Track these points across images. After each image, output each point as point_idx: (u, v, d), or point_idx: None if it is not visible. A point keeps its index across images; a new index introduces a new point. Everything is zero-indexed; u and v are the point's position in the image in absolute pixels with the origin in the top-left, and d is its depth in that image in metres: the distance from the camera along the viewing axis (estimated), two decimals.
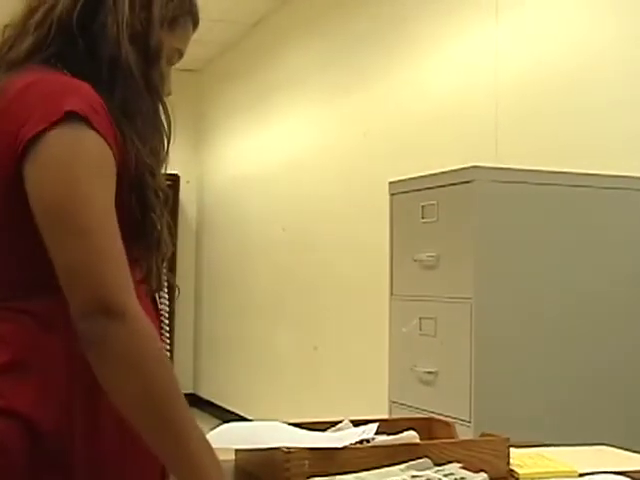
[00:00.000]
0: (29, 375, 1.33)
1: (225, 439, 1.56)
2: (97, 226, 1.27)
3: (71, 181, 1.27)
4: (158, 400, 1.27)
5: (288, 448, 1.55)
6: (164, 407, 1.27)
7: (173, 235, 1.50)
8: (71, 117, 1.29)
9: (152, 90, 1.45)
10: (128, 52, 1.40)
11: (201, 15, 1.60)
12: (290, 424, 1.80)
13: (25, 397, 1.32)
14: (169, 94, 1.56)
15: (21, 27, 1.44)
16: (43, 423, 1.31)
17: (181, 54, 1.57)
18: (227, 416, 7.35)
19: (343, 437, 1.68)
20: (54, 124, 1.28)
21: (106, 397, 1.31)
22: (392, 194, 3.36)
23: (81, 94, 1.33)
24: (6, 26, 1.46)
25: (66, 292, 1.26)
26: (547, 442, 2.04)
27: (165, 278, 1.51)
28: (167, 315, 1.56)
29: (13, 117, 1.32)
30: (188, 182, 8.62)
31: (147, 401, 1.26)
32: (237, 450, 1.72)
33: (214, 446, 1.33)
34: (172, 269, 1.61)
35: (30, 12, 1.45)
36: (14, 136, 1.30)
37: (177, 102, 1.55)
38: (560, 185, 3.03)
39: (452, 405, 2.93)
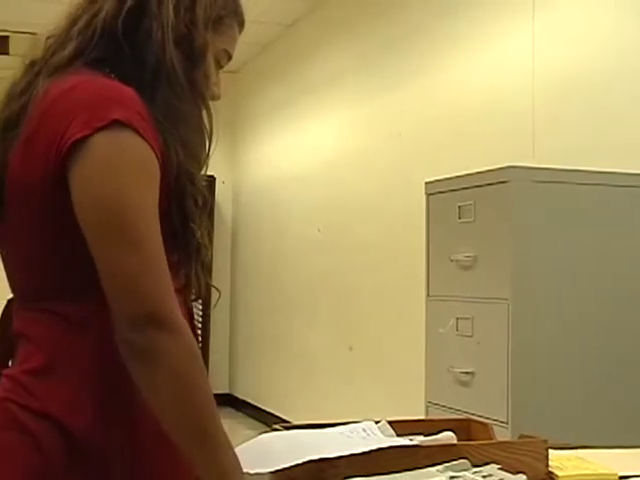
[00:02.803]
0: (61, 378, 1.34)
1: (259, 454, 1.54)
2: (147, 237, 1.28)
3: (121, 190, 1.27)
4: (199, 412, 1.29)
5: (323, 459, 1.54)
6: (203, 419, 1.29)
7: (211, 239, 1.49)
8: (116, 124, 1.28)
9: (196, 93, 1.44)
10: (173, 55, 1.40)
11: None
12: (324, 425, 1.79)
13: (58, 400, 1.33)
14: (219, 98, 1.56)
15: (64, 35, 1.44)
16: (76, 425, 1.32)
17: (229, 55, 1.56)
18: (263, 416, 7.37)
19: (382, 440, 1.67)
20: (99, 130, 1.28)
21: (139, 399, 1.32)
22: (428, 194, 3.35)
23: (126, 100, 1.32)
24: (49, 37, 1.46)
25: (113, 301, 1.26)
26: (586, 444, 2.03)
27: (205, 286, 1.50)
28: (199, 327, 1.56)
29: (57, 118, 1.32)
30: (224, 183, 8.64)
31: (188, 412, 1.28)
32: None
33: (247, 460, 1.35)
34: (209, 272, 1.59)
35: (73, 20, 1.45)
36: (58, 138, 1.29)
37: (213, 103, 1.54)
38: (598, 185, 3.01)
39: (489, 406, 2.92)
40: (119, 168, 1.28)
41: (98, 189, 1.28)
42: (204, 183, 1.47)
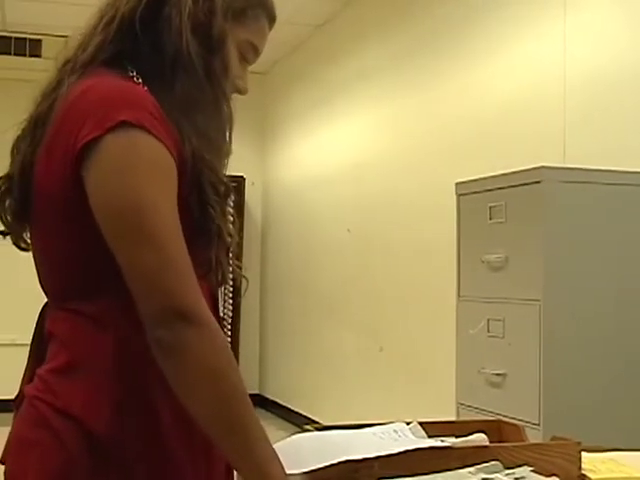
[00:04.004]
0: (82, 376, 1.36)
1: (291, 455, 1.54)
2: (166, 233, 1.29)
3: (134, 187, 1.29)
4: (233, 405, 1.29)
5: (356, 460, 1.53)
6: (237, 412, 1.29)
7: (236, 227, 1.49)
8: (126, 124, 1.30)
9: (213, 81, 1.44)
10: (189, 42, 1.41)
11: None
12: (355, 426, 1.79)
13: (79, 399, 1.34)
14: (245, 92, 1.56)
15: (91, 31, 1.47)
16: (95, 424, 1.33)
17: (255, 48, 1.56)
18: (292, 417, 7.38)
19: (413, 442, 1.67)
20: (109, 130, 1.29)
21: (161, 396, 1.34)
22: (459, 195, 3.34)
23: (137, 101, 1.34)
24: (79, 35, 1.49)
25: (138, 299, 1.27)
26: (619, 446, 2.01)
27: (230, 273, 1.51)
28: (231, 316, 1.57)
29: (72, 121, 1.34)
30: (253, 184, 8.66)
31: (222, 406, 1.28)
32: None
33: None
34: (237, 260, 1.58)
35: (100, 17, 1.47)
36: (72, 140, 1.32)
37: (243, 104, 1.55)
38: (630, 185, 2.99)
39: (521, 407, 2.90)
40: (131, 167, 1.30)
41: (111, 189, 1.29)
42: (232, 183, 1.47)
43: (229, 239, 1.44)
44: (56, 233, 1.39)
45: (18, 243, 1.49)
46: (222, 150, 1.46)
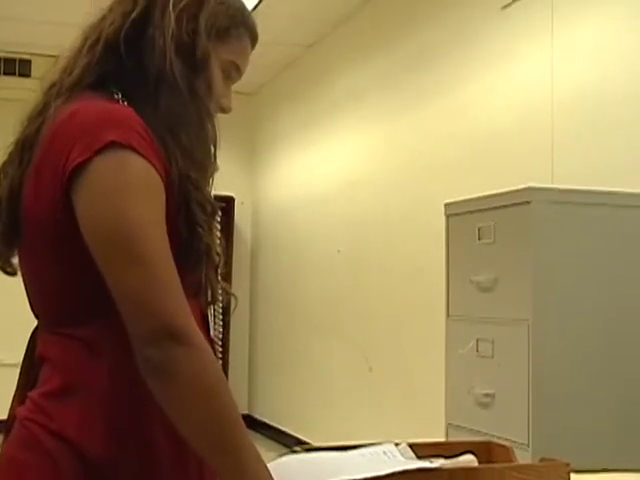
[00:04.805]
0: (77, 400, 1.35)
1: (279, 477, 1.54)
2: (154, 253, 1.29)
3: (123, 209, 1.29)
4: (224, 424, 1.29)
5: None
6: (229, 431, 1.29)
7: (222, 246, 1.50)
8: (114, 145, 1.30)
9: (197, 100, 1.45)
10: (173, 63, 1.42)
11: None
12: (344, 447, 1.78)
13: (73, 422, 1.34)
14: (229, 110, 1.57)
15: (76, 54, 1.48)
16: (89, 448, 1.33)
17: (239, 68, 1.57)
18: (282, 438, 7.35)
19: (402, 462, 1.66)
20: (98, 152, 1.30)
21: (155, 419, 1.34)
22: (448, 215, 3.34)
23: (124, 121, 1.34)
24: (64, 58, 1.49)
25: (127, 320, 1.27)
26: (609, 467, 2.01)
27: (220, 292, 1.51)
28: (221, 337, 1.57)
29: (60, 145, 1.34)
30: (243, 203, 8.66)
31: (213, 425, 1.28)
32: None
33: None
34: (225, 279, 1.58)
35: (85, 39, 1.48)
36: (62, 164, 1.32)
37: (232, 123, 1.55)
38: (618, 206, 2.99)
39: (510, 428, 2.90)
40: (120, 187, 1.30)
41: (101, 210, 1.29)
42: (221, 203, 1.48)
43: (217, 258, 1.44)
44: (46, 257, 1.39)
45: (5, 268, 1.49)
46: (208, 169, 1.47)
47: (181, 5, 1.46)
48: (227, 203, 8.11)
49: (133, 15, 1.45)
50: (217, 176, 1.51)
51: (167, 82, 1.41)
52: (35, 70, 7.34)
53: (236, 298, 1.61)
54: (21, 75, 7.37)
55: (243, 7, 1.57)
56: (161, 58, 1.42)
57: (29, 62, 7.39)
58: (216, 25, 1.50)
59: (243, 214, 8.72)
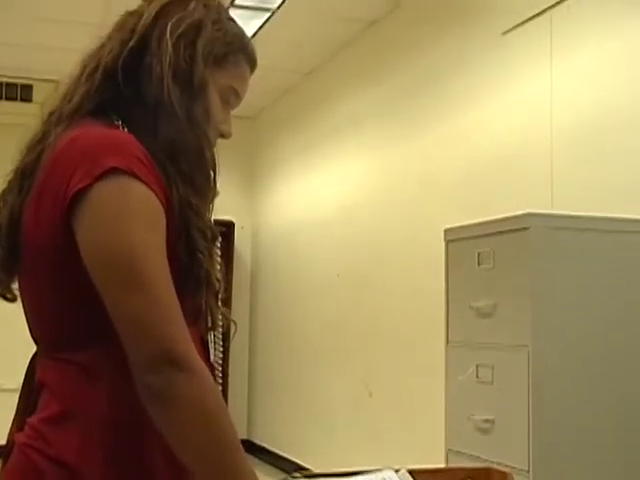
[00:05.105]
0: (75, 426, 1.35)
1: None
2: (155, 278, 1.29)
3: (124, 233, 1.29)
4: (224, 450, 1.29)
5: None
6: (228, 457, 1.29)
7: (223, 272, 1.50)
8: (115, 171, 1.31)
9: (196, 127, 1.45)
10: (171, 90, 1.42)
11: (257, 62, 1.60)
12: (344, 474, 1.78)
13: (72, 448, 1.33)
14: (229, 136, 1.57)
15: (76, 82, 1.49)
16: (90, 472, 1.32)
17: (237, 94, 1.57)
18: (281, 463, 7.31)
19: None
20: (98, 178, 1.30)
21: (154, 445, 1.33)
22: (448, 241, 3.35)
23: (124, 147, 1.35)
24: (64, 86, 1.51)
25: (128, 345, 1.27)
26: None
27: (220, 318, 1.51)
28: (221, 362, 1.57)
29: (61, 171, 1.34)
30: (243, 228, 8.67)
31: (213, 451, 1.28)
32: None
33: None
34: (226, 305, 1.60)
35: (83, 67, 1.49)
36: (62, 190, 1.32)
37: (232, 148, 1.55)
38: (617, 231, 3.00)
39: (510, 454, 2.89)
40: (120, 213, 1.30)
41: (101, 235, 1.30)
42: (221, 227, 1.48)
43: (217, 284, 1.45)
44: (46, 282, 1.39)
45: (4, 294, 1.49)
46: (208, 195, 1.47)
47: (178, 32, 1.46)
48: (227, 227, 8.11)
49: (131, 43, 1.46)
50: (217, 201, 1.51)
51: (165, 110, 1.42)
52: (37, 95, 7.35)
53: (235, 325, 1.61)
54: (23, 100, 7.40)
55: (241, 33, 1.58)
56: (158, 86, 1.43)
57: (30, 87, 7.41)
58: (214, 51, 1.50)
59: (243, 238, 8.73)
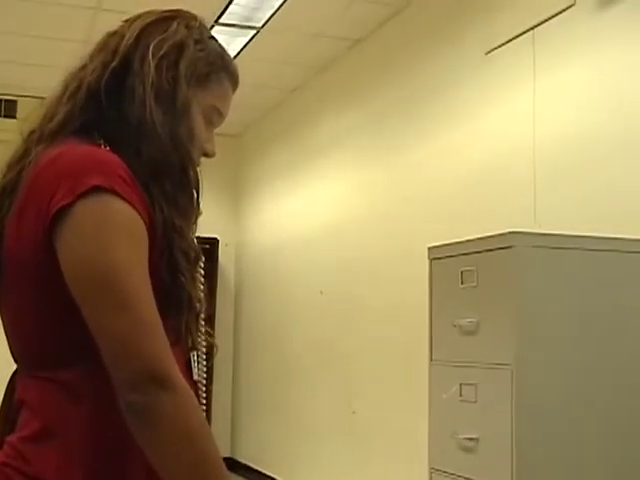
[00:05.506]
0: (55, 445, 1.34)
1: None
2: (138, 295, 1.28)
3: (106, 251, 1.29)
4: (207, 469, 1.29)
5: None
6: (212, 476, 1.29)
7: (205, 292, 1.50)
8: (97, 189, 1.30)
9: (179, 147, 1.45)
10: (153, 111, 1.42)
11: (241, 80, 1.61)
12: None
13: (51, 467, 1.33)
14: (213, 155, 1.58)
15: (57, 101, 1.48)
16: None
17: (220, 113, 1.58)
18: None
19: None
20: (81, 196, 1.30)
21: (136, 463, 1.33)
22: (431, 259, 3.36)
23: (108, 166, 1.34)
24: (45, 105, 1.50)
25: (110, 364, 1.27)
26: None
27: (202, 338, 1.51)
28: (204, 382, 1.57)
29: (43, 189, 1.34)
30: (227, 245, 8.67)
31: (195, 471, 1.28)
32: None
33: None
34: (208, 325, 1.60)
35: (65, 87, 1.49)
36: (44, 207, 1.32)
37: (217, 166, 1.55)
38: (600, 250, 3.01)
39: (493, 473, 2.89)
40: (102, 231, 1.30)
41: (83, 253, 1.29)
42: (205, 244, 1.48)
43: (199, 305, 1.44)
44: (27, 298, 1.38)
45: None
46: (191, 215, 1.47)
47: (161, 53, 1.46)
48: (211, 245, 8.11)
49: (113, 64, 1.46)
50: (201, 218, 1.51)
51: (147, 131, 1.42)
52: (21, 111, 7.34)
53: (217, 347, 1.61)
54: (6, 116, 7.38)
55: (223, 52, 1.58)
56: (141, 107, 1.42)
57: (15, 103, 7.40)
58: (197, 72, 1.51)
59: (227, 255, 8.72)
